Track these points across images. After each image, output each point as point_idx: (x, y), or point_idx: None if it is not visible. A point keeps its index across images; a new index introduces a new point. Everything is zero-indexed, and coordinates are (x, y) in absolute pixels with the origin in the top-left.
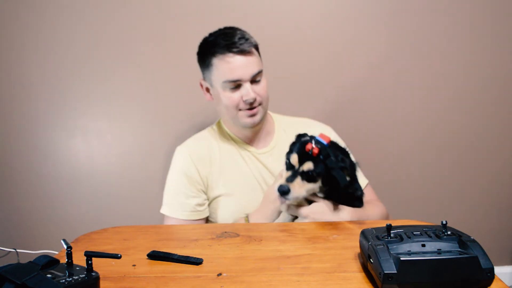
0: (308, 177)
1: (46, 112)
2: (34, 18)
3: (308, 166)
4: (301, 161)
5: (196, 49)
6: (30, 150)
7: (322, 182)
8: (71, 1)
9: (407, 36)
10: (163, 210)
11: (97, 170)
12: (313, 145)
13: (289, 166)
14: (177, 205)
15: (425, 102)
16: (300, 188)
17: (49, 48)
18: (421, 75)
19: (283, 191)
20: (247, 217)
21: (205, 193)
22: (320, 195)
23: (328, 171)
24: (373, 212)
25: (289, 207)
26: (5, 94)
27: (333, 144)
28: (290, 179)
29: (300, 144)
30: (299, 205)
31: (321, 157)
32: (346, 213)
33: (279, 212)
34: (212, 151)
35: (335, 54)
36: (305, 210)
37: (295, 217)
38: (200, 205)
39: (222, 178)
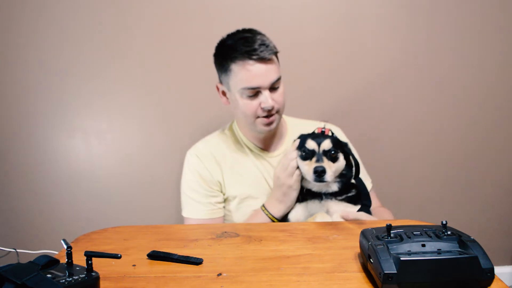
0: (331, 157)
1: (45, 112)
2: (33, 17)
3: (327, 144)
4: (318, 143)
5: (197, 49)
6: (29, 150)
7: (346, 160)
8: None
9: (418, 40)
10: (184, 213)
11: (97, 170)
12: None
13: (308, 152)
14: (197, 205)
15: (430, 106)
16: (330, 168)
17: (48, 46)
18: (429, 80)
19: (321, 171)
20: (263, 207)
21: (222, 192)
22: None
23: (344, 152)
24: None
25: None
26: (3, 94)
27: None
28: (319, 161)
29: (310, 133)
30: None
31: (333, 135)
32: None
33: (294, 190)
34: (222, 156)
35: (345, 55)
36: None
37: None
38: (220, 202)
39: (234, 182)
